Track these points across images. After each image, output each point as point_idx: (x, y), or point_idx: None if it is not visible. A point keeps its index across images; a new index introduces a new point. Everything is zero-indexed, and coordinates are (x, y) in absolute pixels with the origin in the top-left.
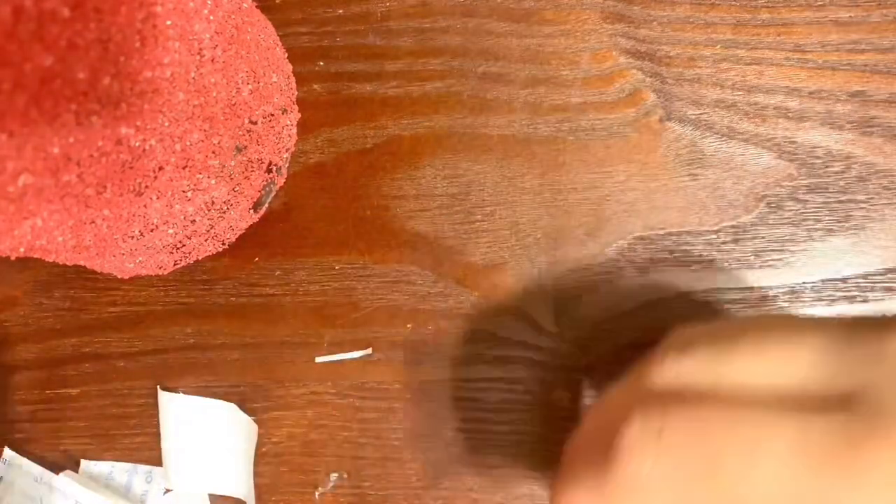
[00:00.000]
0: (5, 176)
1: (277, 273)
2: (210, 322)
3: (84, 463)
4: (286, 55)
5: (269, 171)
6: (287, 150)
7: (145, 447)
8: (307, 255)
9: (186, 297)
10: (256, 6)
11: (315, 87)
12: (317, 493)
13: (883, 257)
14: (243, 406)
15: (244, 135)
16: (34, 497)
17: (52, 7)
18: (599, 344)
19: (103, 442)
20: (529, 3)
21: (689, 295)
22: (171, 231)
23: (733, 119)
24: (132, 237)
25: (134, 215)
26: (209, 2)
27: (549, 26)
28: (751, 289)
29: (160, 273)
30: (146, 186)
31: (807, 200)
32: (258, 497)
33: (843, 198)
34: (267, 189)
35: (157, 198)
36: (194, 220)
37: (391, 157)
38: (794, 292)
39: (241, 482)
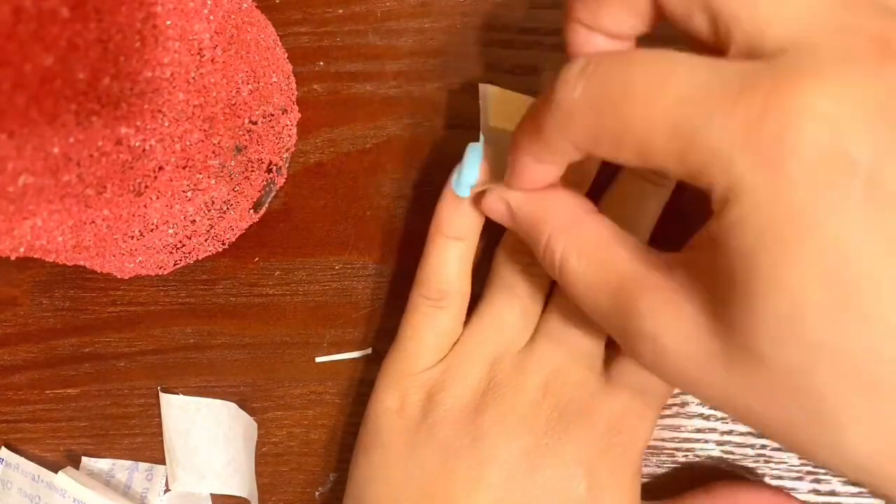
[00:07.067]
0: (5, 176)
1: (277, 273)
2: (210, 322)
3: (85, 460)
4: (286, 55)
5: (269, 171)
6: (287, 150)
7: (145, 447)
8: (307, 255)
9: (186, 297)
10: (256, 6)
11: (315, 87)
12: (317, 493)
13: None
14: (243, 406)
15: (244, 135)
16: (32, 496)
17: (52, 7)
18: None
19: (103, 442)
20: None
21: None
22: (171, 231)
23: None
24: (132, 237)
25: (134, 215)
26: (209, 2)
27: None
28: None
29: (160, 273)
30: (146, 186)
31: None
32: (258, 497)
33: None
34: (267, 189)
35: (157, 198)
36: (194, 220)
37: (391, 157)
38: None
39: (244, 481)
